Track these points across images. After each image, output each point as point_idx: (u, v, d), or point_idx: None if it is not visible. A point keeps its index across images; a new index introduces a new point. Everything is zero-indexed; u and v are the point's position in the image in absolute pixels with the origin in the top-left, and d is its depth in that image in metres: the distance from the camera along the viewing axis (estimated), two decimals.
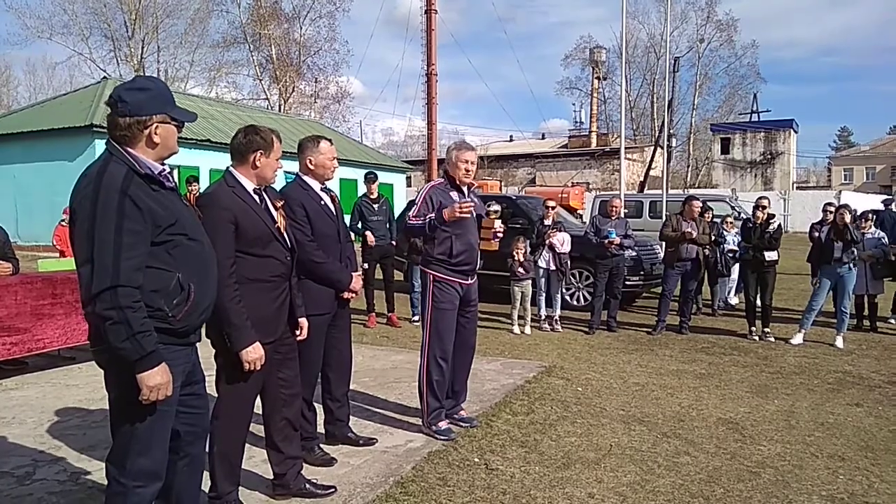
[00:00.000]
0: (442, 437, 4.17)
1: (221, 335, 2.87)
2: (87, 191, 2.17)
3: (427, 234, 4.20)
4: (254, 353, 2.85)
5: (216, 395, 3.08)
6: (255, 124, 3.13)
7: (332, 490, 3.35)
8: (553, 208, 8.66)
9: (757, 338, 7.70)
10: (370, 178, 8.34)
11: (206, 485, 3.12)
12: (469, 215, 4.14)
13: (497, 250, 4.32)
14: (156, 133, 2.28)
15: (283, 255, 3.08)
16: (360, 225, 8.09)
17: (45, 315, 5.49)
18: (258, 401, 3.18)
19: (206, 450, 2.84)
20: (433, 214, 4.14)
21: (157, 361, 2.18)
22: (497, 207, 4.29)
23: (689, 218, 8.07)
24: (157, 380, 2.18)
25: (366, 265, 8.13)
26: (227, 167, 3.09)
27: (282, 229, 3.09)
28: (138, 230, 2.16)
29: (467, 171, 4.27)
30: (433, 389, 4.24)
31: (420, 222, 4.18)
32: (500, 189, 31.43)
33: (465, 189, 4.33)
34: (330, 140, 3.77)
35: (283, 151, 3.14)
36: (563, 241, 8.28)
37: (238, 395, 3.01)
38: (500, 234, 4.28)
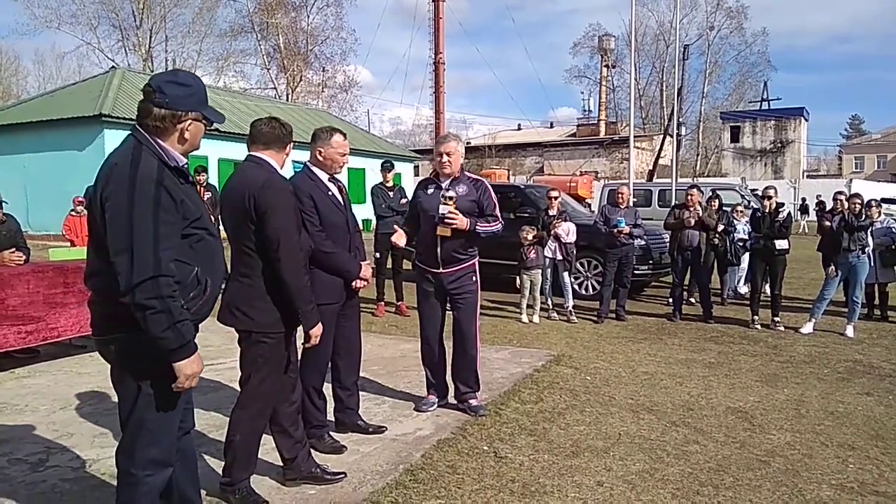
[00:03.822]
0: (418, 404, 4.55)
1: (276, 320, 2.97)
2: (122, 179, 2.15)
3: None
4: (319, 330, 3.11)
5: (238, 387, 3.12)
6: (276, 116, 3.26)
7: (342, 476, 3.38)
8: (557, 198, 8.62)
9: (759, 326, 7.68)
10: (386, 167, 8.39)
11: (219, 469, 3.16)
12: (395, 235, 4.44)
13: (449, 236, 4.28)
14: (187, 130, 2.30)
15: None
16: (384, 205, 8.16)
17: (57, 304, 5.53)
18: None
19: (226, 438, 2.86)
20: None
21: (194, 349, 2.22)
22: (452, 193, 4.28)
23: (690, 206, 8.13)
24: (193, 368, 2.21)
25: (377, 254, 8.16)
26: (259, 156, 3.07)
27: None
28: (172, 221, 2.18)
29: (441, 163, 4.39)
30: (424, 364, 4.63)
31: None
32: (508, 178, 31.33)
33: (444, 182, 4.37)
34: (344, 135, 3.76)
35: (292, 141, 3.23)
36: (568, 231, 8.26)
37: (274, 388, 3.07)
38: (449, 220, 4.23)
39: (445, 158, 4.36)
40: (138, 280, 2.08)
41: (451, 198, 4.24)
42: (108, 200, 2.15)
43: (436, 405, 4.58)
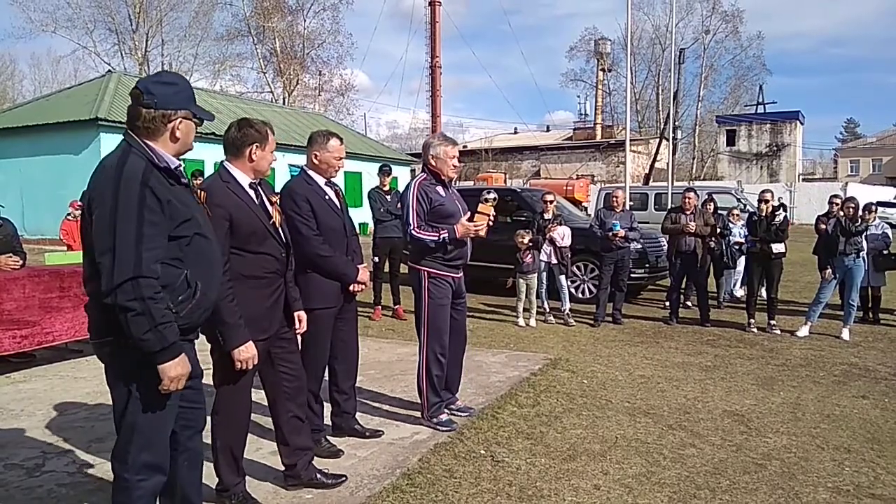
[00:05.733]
0: (445, 429, 4.18)
1: (215, 332, 2.85)
2: (107, 181, 2.16)
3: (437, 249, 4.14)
4: (246, 353, 2.82)
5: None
6: (248, 118, 3.12)
7: (343, 479, 3.37)
8: (552, 202, 8.64)
9: (755, 329, 7.70)
10: (384, 171, 8.40)
11: (213, 480, 3.15)
12: (483, 229, 4.15)
13: (485, 238, 4.25)
14: (178, 128, 2.31)
15: (279, 252, 3.06)
16: (382, 209, 8.14)
17: (53, 308, 5.53)
18: (263, 395, 3.19)
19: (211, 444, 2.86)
20: (446, 234, 4.08)
21: (179, 352, 2.19)
22: (494, 195, 4.29)
23: (687, 211, 8.15)
24: (178, 370, 2.19)
25: (376, 258, 8.17)
26: (221, 162, 3.07)
27: (277, 224, 3.07)
28: (157, 222, 2.17)
29: (455, 166, 4.29)
30: (433, 385, 4.24)
31: (430, 237, 4.08)
32: (505, 181, 31.38)
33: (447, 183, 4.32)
34: (341, 139, 3.77)
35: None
36: (563, 235, 8.28)
37: (233, 390, 3.01)
38: (492, 223, 4.26)
39: (458, 162, 4.33)
40: (119, 281, 2.08)
41: (494, 199, 4.26)
42: (93, 202, 2.16)
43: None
